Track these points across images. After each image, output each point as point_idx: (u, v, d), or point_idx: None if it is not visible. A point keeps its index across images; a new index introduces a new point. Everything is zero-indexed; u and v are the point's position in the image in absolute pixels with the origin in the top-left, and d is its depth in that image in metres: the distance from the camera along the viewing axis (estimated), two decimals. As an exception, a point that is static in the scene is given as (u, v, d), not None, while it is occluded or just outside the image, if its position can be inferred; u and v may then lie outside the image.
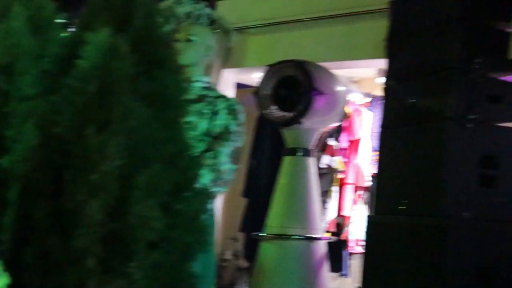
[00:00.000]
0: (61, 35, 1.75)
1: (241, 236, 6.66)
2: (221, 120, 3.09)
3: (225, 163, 3.06)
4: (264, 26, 6.17)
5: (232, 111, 3.12)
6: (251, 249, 5.08)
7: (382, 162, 3.76)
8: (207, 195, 2.91)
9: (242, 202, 6.43)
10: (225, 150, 3.06)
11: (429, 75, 3.45)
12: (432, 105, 3.41)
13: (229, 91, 6.29)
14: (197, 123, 3.06)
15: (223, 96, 3.22)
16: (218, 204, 6.34)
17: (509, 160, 3.40)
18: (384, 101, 3.82)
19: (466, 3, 3.35)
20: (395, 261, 3.44)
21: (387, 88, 3.73)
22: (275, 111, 4.49)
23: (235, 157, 3.12)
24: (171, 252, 1.63)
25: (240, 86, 6.67)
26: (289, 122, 4.43)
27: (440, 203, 3.29)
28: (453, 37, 3.38)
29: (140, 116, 1.60)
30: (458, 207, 3.26)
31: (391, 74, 3.68)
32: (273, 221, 4.50)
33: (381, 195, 3.75)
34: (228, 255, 7.67)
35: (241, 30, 6.27)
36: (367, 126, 6.09)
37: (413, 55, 3.58)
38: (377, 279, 3.55)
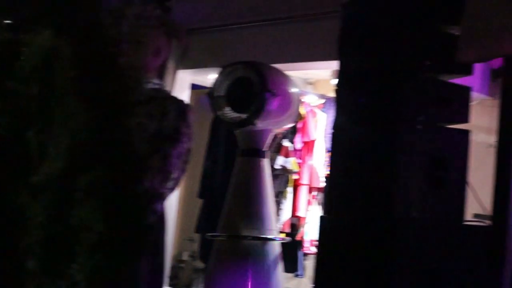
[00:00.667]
0: (2, 36, 1.72)
1: (197, 237, 6.64)
2: (171, 121, 3.08)
3: (175, 165, 3.04)
4: (219, 27, 6.16)
5: (181, 113, 3.11)
6: (207, 250, 5.06)
7: (334, 163, 3.77)
8: (154, 197, 2.92)
9: (199, 203, 6.42)
10: (175, 152, 3.05)
11: (380, 77, 3.47)
12: (382, 107, 3.43)
13: (184, 92, 6.28)
14: (147, 124, 3.04)
15: (173, 98, 3.21)
16: (173, 205, 6.35)
17: (457, 162, 3.44)
18: (336, 102, 3.84)
19: (415, 7, 3.39)
20: (347, 261, 3.45)
21: (339, 90, 3.74)
22: (229, 112, 4.48)
23: (185, 158, 3.10)
24: (113, 254, 1.62)
25: (195, 87, 6.64)
26: (242, 124, 4.42)
27: (390, 204, 3.32)
28: (402, 40, 3.41)
29: (82, 118, 1.58)
30: (408, 207, 3.29)
31: (342, 76, 3.70)
32: (227, 222, 4.49)
33: (332, 196, 3.76)
34: (185, 256, 7.65)
35: (196, 31, 6.26)
36: (321, 127, 6.11)
37: (364, 57, 3.60)
38: (330, 279, 3.56)
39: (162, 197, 3.01)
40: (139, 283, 2.65)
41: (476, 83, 5.25)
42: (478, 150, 3.97)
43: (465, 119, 3.54)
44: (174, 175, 3.04)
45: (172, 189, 3.07)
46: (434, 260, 3.29)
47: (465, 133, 3.50)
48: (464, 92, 3.54)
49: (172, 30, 3.26)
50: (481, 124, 4.44)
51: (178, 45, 3.33)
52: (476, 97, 5.11)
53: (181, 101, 3.21)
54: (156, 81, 3.22)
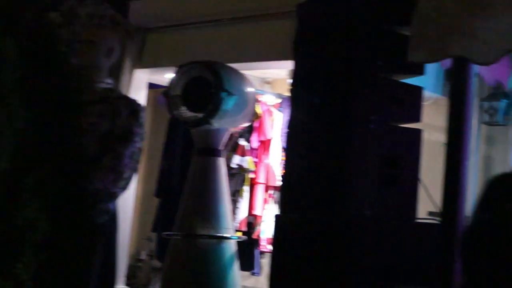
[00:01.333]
0: None
1: (154, 236, 6.60)
2: (123, 121, 3.06)
3: (127, 164, 3.02)
4: (176, 27, 6.13)
5: (134, 112, 3.10)
6: (163, 249, 5.04)
7: (289, 161, 3.78)
8: (106, 196, 2.90)
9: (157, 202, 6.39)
10: (127, 151, 3.03)
11: (334, 77, 3.49)
12: (336, 107, 3.45)
13: (142, 91, 6.23)
14: (98, 124, 3.02)
15: (125, 97, 3.19)
16: (130, 205, 6.31)
17: (409, 160, 3.48)
18: (291, 102, 3.85)
19: (368, 9, 3.41)
20: (302, 259, 3.46)
21: (293, 89, 3.75)
22: (185, 112, 4.46)
23: (136, 158, 3.09)
24: (60, 253, 1.60)
25: (152, 86, 6.60)
26: (198, 123, 4.41)
27: (343, 202, 3.34)
28: (356, 40, 3.43)
29: (28, 119, 1.56)
30: (361, 205, 3.32)
31: (298, 76, 3.71)
32: (183, 220, 4.48)
33: (287, 194, 3.78)
34: (143, 255, 7.60)
35: (153, 30, 6.23)
36: (278, 126, 6.12)
37: (319, 57, 3.61)
38: (286, 277, 3.57)
39: (114, 197, 2.99)
40: (89, 281, 2.63)
41: (430, 83, 5.31)
42: (432, 149, 4.02)
43: (417, 119, 3.58)
44: (126, 174, 3.03)
45: (124, 189, 3.05)
46: (387, 256, 3.32)
47: (417, 132, 3.54)
48: (416, 92, 3.58)
49: (125, 30, 3.24)
50: (434, 123, 4.49)
51: (132, 44, 3.31)
52: (430, 96, 5.17)
53: (133, 101, 3.19)
54: (108, 80, 3.19)
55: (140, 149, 3.10)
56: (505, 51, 2.82)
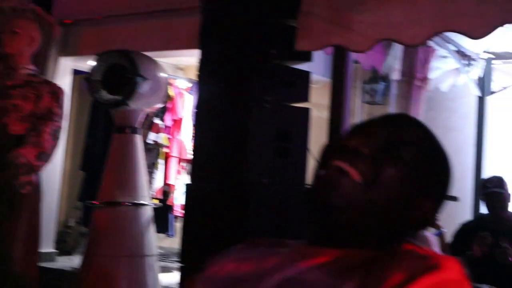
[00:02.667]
0: None
1: (81, 204, 6.50)
2: (45, 103, 2.99)
3: (48, 141, 2.96)
4: (97, 19, 6.00)
5: (54, 95, 3.03)
6: (89, 216, 4.95)
7: (198, 137, 3.78)
8: (29, 169, 2.83)
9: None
10: (48, 129, 2.97)
11: (234, 64, 3.50)
12: (236, 90, 3.46)
13: (66, 77, 6.08)
14: (22, 106, 2.94)
15: (46, 82, 3.12)
16: (58, 177, 6.17)
17: (299, 135, 3.53)
18: (198, 86, 3.83)
19: (262, 3, 3.43)
20: (209, 223, 3.47)
21: (200, 75, 3.73)
22: (105, 95, 4.39)
23: (57, 135, 3.03)
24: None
25: (77, 72, 6.44)
26: (117, 104, 4.36)
27: (243, 172, 3.36)
28: (252, 32, 3.44)
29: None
30: (259, 175, 3.35)
31: (203, 63, 3.69)
32: (105, 190, 4.42)
33: (197, 166, 3.77)
34: (71, 222, 7.46)
35: (77, 23, 6.08)
36: (188, 107, 6.10)
37: (221, 47, 3.60)
38: (195, 238, 3.57)
39: (36, 170, 2.92)
40: (14, 245, 2.58)
41: (320, 68, 5.38)
42: (320, 124, 4.08)
43: (305, 99, 3.62)
44: (48, 150, 2.96)
45: (46, 162, 3.00)
46: (282, 218, 3.36)
47: (306, 110, 3.58)
48: (305, 76, 3.62)
49: (46, 22, 3.16)
50: (323, 103, 4.56)
51: (56, 35, 3.23)
52: (320, 80, 5.24)
53: (54, 85, 3.14)
54: (31, 67, 3.11)
55: (59, 127, 3.04)
56: (376, 40, 2.89)
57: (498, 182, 4.48)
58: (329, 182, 1.06)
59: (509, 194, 4.49)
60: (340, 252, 1.04)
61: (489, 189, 4.49)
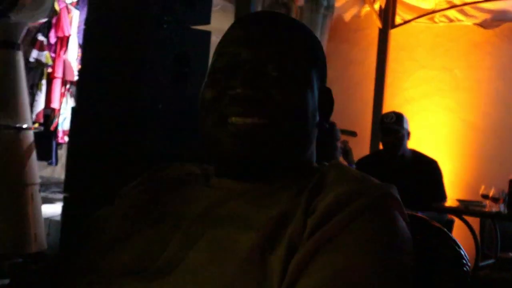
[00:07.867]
0: None
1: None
2: None
3: None
4: None
5: None
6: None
7: (86, 58, 3.63)
8: None
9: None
10: None
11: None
12: (131, 5, 3.33)
13: None
14: None
15: None
16: None
17: (198, 58, 3.46)
18: (89, 0, 3.67)
19: None
20: (97, 150, 3.38)
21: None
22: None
23: None
24: None
25: None
26: (-4, 15, 4.10)
27: (139, 97, 3.28)
28: None
29: None
30: (155, 100, 3.27)
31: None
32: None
33: (83, 88, 3.64)
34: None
35: None
36: (75, 24, 5.85)
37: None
38: (81, 167, 3.47)
39: None
40: None
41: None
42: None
43: (207, 21, 3.54)
44: None
45: None
46: (175, 142, 3.31)
47: (207, 34, 3.51)
48: (206, -4, 3.53)
49: None
50: (222, 28, 4.50)
51: None
52: (218, 3, 5.16)
53: None
54: None
55: None
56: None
57: (396, 118, 4.55)
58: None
59: (407, 132, 4.59)
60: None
61: (385, 124, 4.57)
